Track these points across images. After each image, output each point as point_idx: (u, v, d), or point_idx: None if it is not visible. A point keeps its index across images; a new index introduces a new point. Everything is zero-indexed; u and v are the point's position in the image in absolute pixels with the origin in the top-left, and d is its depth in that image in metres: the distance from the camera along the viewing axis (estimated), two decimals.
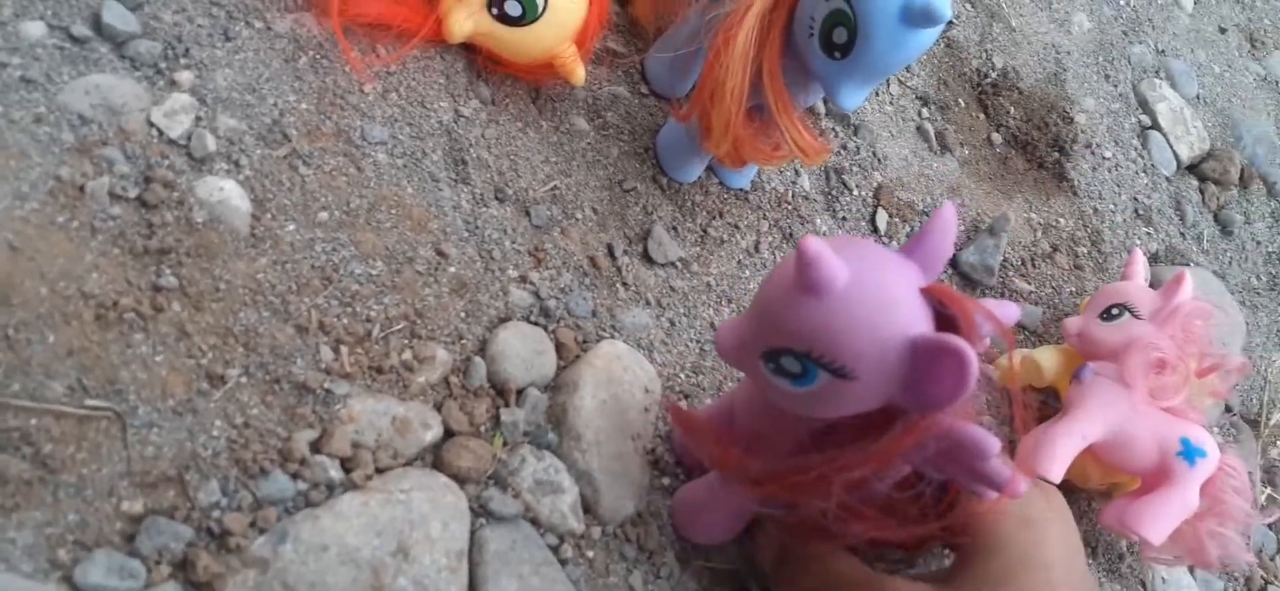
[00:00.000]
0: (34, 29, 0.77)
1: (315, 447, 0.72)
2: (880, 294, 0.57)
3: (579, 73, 0.96)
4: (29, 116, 0.73)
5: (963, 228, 1.23)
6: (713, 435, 0.73)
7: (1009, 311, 0.60)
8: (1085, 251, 1.32)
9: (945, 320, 0.59)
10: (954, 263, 1.20)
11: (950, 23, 1.33)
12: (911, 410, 0.60)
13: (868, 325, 0.56)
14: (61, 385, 0.66)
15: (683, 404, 0.91)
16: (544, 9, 0.90)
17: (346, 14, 0.88)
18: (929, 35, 0.78)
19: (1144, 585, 1.11)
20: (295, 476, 0.70)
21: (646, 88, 1.11)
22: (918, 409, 0.59)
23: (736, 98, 0.84)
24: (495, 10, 0.91)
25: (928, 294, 0.59)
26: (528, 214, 0.94)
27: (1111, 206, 1.39)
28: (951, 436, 0.60)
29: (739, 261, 1.04)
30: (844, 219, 1.15)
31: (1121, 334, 1.01)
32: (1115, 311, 1.04)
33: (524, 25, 0.91)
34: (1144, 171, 1.47)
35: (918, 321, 0.57)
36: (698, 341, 0.96)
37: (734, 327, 0.65)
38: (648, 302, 0.95)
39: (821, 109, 1.21)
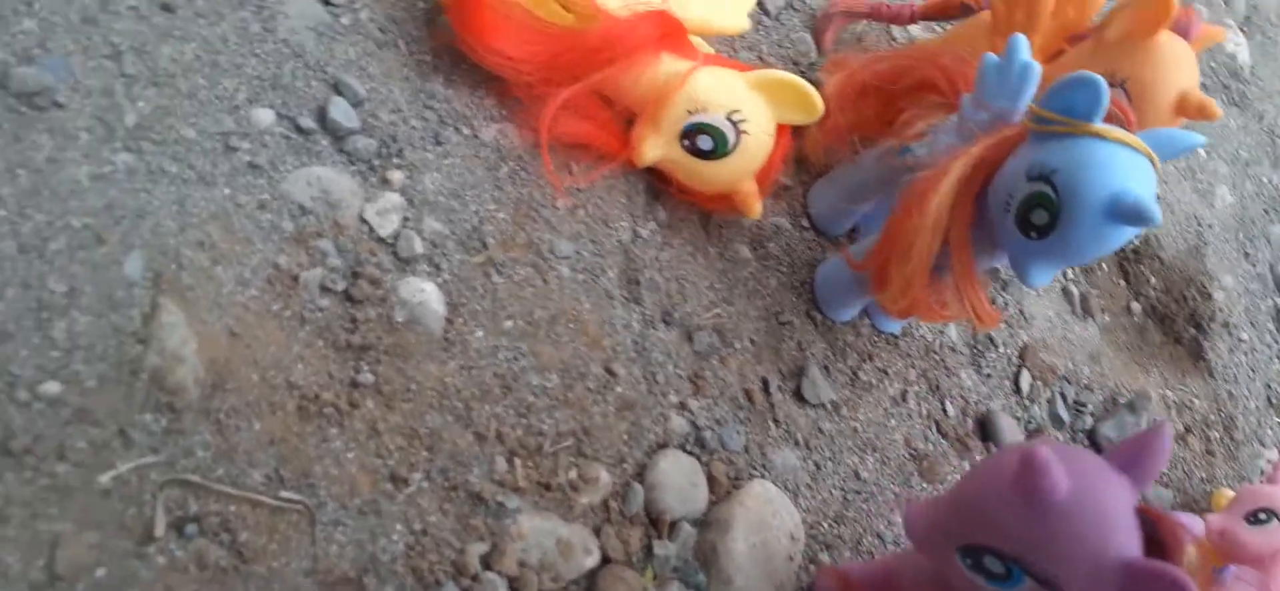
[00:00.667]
0: (264, 116, 0.78)
1: (486, 562, 0.70)
2: (1099, 510, 0.54)
3: (756, 208, 0.95)
4: (254, 202, 0.74)
5: (1100, 398, 1.19)
6: None
7: (1196, 526, 0.57)
8: (1217, 437, 1.26)
9: (1151, 540, 0.56)
10: (1091, 434, 1.15)
11: None
12: None
13: (1085, 540, 0.54)
14: (260, 473, 0.66)
15: (825, 556, 0.87)
16: (734, 147, 0.89)
17: (552, 131, 0.88)
18: (1132, 232, 0.74)
19: None
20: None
21: (807, 221, 1.09)
22: None
23: (923, 260, 0.82)
24: (687, 143, 0.90)
25: (1141, 514, 0.57)
26: (691, 339, 0.92)
27: (1245, 392, 1.33)
28: None
29: (886, 409, 1.01)
30: (988, 375, 1.11)
31: (1270, 542, 0.96)
32: (1263, 516, 0.98)
33: (713, 159, 0.90)
34: (1279, 358, 1.40)
35: (1133, 542, 0.55)
36: (841, 489, 0.93)
37: (929, 513, 0.62)
38: (796, 443, 0.93)
39: None
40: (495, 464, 0.74)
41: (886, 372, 1.04)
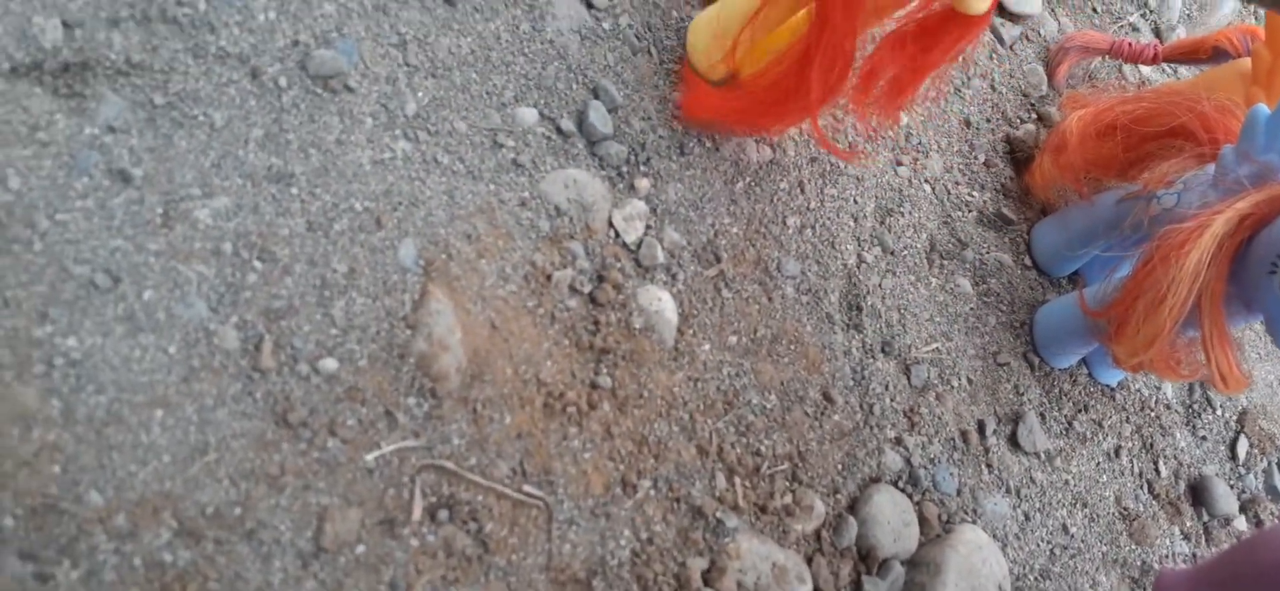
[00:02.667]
0: (528, 115, 0.75)
1: (706, 580, 0.66)
2: None
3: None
4: (515, 199, 0.72)
5: None
6: None
7: None
8: None
9: None
10: None
11: None
12: None
13: None
14: (507, 466, 0.63)
15: None
16: None
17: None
18: None
19: None
20: None
21: (1030, 260, 1.00)
22: None
23: (1174, 315, 0.73)
24: None
25: None
26: (908, 372, 0.85)
27: None
28: None
29: (1098, 464, 0.92)
30: (1203, 437, 1.00)
31: None
32: None
33: None
34: None
35: None
36: (1049, 542, 0.85)
37: (1193, 584, 0.55)
38: (1008, 490, 0.85)
39: None
40: (716, 479, 0.70)
41: (1101, 425, 0.94)
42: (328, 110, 0.67)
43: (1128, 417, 0.97)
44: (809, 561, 0.72)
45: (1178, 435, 0.99)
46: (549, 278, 0.70)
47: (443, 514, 0.60)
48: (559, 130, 0.76)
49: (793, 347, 0.80)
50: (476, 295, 0.66)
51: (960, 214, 0.96)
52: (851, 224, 0.89)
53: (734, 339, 0.77)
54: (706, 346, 0.75)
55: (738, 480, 0.72)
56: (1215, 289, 0.73)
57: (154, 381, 0.56)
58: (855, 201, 0.90)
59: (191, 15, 0.65)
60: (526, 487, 0.63)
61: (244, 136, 0.64)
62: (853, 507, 0.76)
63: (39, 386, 0.54)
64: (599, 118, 0.77)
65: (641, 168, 0.78)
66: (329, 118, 0.67)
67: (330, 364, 0.60)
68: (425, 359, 0.62)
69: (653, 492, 0.68)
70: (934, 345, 0.88)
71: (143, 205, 0.59)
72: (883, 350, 0.85)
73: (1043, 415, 0.91)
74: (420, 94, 0.71)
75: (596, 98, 0.78)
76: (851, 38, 0.68)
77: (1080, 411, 0.94)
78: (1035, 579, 0.83)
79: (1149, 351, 0.77)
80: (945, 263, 0.94)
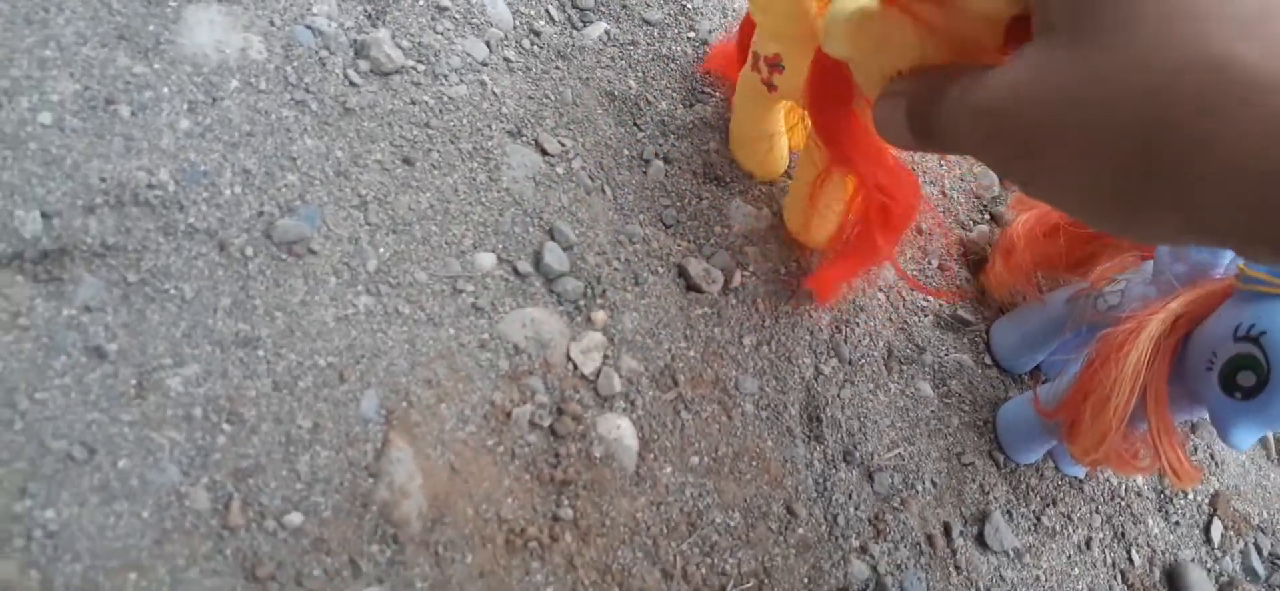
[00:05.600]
0: (487, 260, 0.80)
1: None
2: None
3: None
4: (475, 341, 0.76)
5: None
6: None
7: None
8: None
9: None
10: None
11: None
12: None
13: None
14: None
15: None
16: None
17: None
18: None
19: None
20: None
21: (990, 359, 1.03)
22: None
23: (1119, 414, 0.76)
24: None
25: None
26: (872, 479, 0.88)
27: None
28: None
29: (1069, 557, 0.94)
30: (1176, 523, 1.02)
31: None
32: None
33: None
34: None
35: None
36: None
37: None
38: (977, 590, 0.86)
39: None
40: None
41: (1070, 518, 0.96)
42: (292, 274, 0.72)
43: (1097, 508, 0.99)
44: None
45: (1150, 522, 1.01)
46: (509, 415, 0.73)
47: None
48: (516, 272, 0.80)
49: (755, 464, 0.83)
50: (437, 440, 0.69)
51: (916, 318, 1.00)
52: (807, 337, 0.93)
53: (696, 459, 0.80)
54: (668, 469, 0.78)
55: None
56: (1158, 387, 0.76)
57: (128, 546, 0.59)
58: (810, 315, 0.94)
59: (162, 196, 0.70)
60: None
61: (213, 305, 0.68)
62: None
63: (19, 559, 0.57)
64: (555, 257, 0.82)
65: (598, 300, 0.83)
66: (293, 280, 0.72)
67: (296, 518, 0.63)
68: (387, 506, 0.65)
69: None
70: (897, 450, 0.91)
71: (117, 378, 0.64)
72: (845, 459, 0.88)
73: (1010, 513, 0.93)
74: (382, 250, 0.76)
75: (552, 238, 0.83)
76: (887, 176, 0.74)
77: (1048, 506, 0.96)
78: None
79: (1100, 450, 0.79)
80: (904, 368, 0.97)
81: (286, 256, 0.72)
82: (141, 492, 0.61)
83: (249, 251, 0.71)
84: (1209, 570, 1.01)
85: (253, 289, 0.70)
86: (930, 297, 1.02)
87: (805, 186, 0.87)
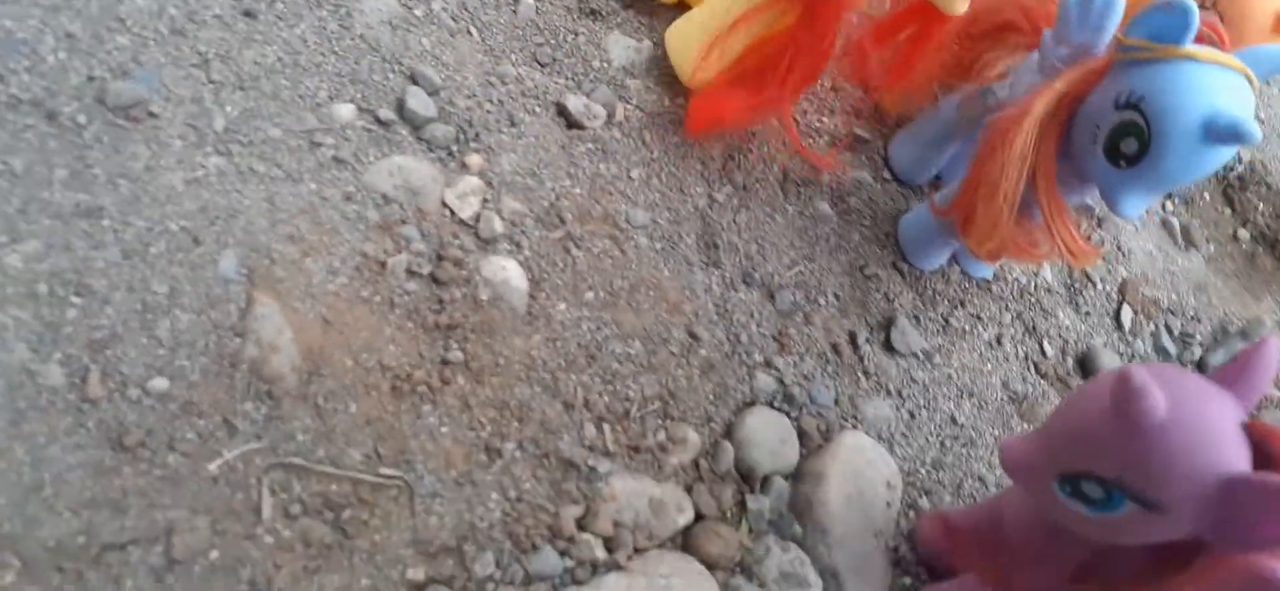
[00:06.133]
0: (345, 111, 0.79)
1: (581, 525, 0.70)
2: (1201, 427, 0.51)
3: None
4: (340, 194, 0.75)
5: (1209, 328, 1.12)
6: (976, 544, 0.68)
7: None
8: None
9: (1261, 455, 0.52)
10: (1200, 365, 1.08)
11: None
12: (1218, 546, 0.53)
13: (1187, 460, 0.51)
14: (359, 453, 0.66)
15: (924, 501, 0.84)
16: None
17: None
18: (1229, 152, 0.69)
19: None
20: (563, 553, 0.68)
21: (889, 174, 1.05)
22: (1227, 546, 0.53)
23: (1009, 199, 0.78)
24: None
25: (1248, 430, 0.53)
26: (773, 298, 0.90)
27: None
28: (1258, 576, 0.53)
29: (981, 354, 0.97)
30: (1087, 313, 1.06)
31: None
32: None
33: None
34: None
35: (1239, 458, 0.51)
36: (938, 436, 0.90)
37: (1025, 445, 0.59)
38: (889, 393, 0.90)
39: None
40: (584, 430, 0.74)
41: (980, 318, 1.00)
42: (132, 139, 0.70)
43: (1007, 306, 1.02)
44: (689, 490, 0.76)
45: (1061, 314, 1.05)
46: (383, 265, 0.73)
47: (295, 508, 0.63)
48: (379, 120, 0.79)
49: (652, 294, 0.84)
50: (305, 294, 0.69)
51: (812, 141, 1.01)
52: (699, 167, 0.93)
53: (590, 295, 0.81)
54: (562, 306, 0.79)
55: (607, 426, 0.75)
56: (1047, 169, 0.78)
57: None
58: (701, 145, 0.94)
59: None
60: (383, 470, 0.66)
61: (47, 178, 0.66)
62: (729, 434, 0.80)
63: None
64: (419, 102, 0.81)
65: (472, 144, 0.82)
66: (135, 147, 0.70)
67: (161, 383, 0.63)
68: (257, 363, 0.65)
69: (519, 454, 0.71)
70: (797, 268, 0.93)
71: None
72: (744, 281, 0.89)
73: (917, 318, 0.96)
74: (229, 108, 0.74)
75: (415, 83, 0.82)
76: (832, 34, 0.79)
77: (956, 308, 0.99)
78: (928, 470, 0.87)
79: (995, 238, 0.82)
80: (802, 189, 0.98)
81: (124, 122, 0.70)
82: None
83: (82, 119, 0.69)
84: (1121, 353, 1.05)
85: (90, 158, 0.68)
86: (822, 119, 1.03)
87: (712, 26, 0.87)
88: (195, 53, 0.75)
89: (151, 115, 0.71)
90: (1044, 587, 0.63)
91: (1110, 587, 0.59)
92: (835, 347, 0.90)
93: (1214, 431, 0.51)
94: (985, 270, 1.01)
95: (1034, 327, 1.02)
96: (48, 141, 0.68)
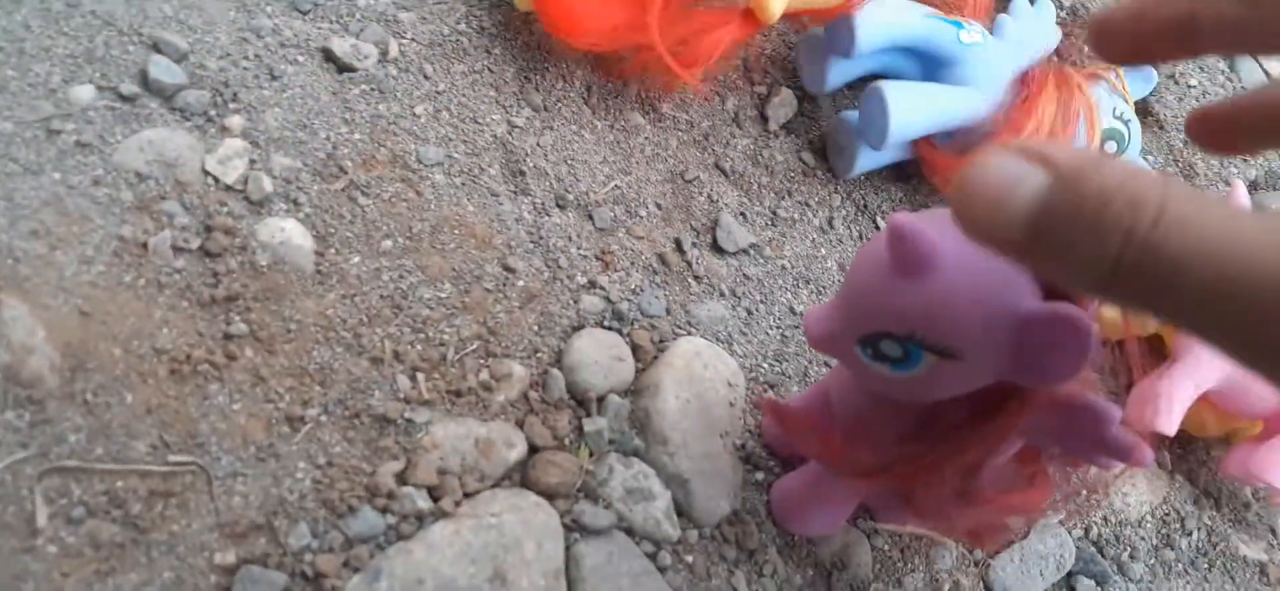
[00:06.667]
0: (84, 92, 0.78)
1: (401, 479, 0.72)
2: (982, 267, 0.53)
3: None
4: (87, 180, 0.75)
5: None
6: (810, 427, 0.72)
7: None
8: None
9: (1051, 290, 0.55)
10: None
11: None
12: (1025, 385, 0.57)
13: (972, 301, 0.53)
14: (144, 444, 0.67)
15: (769, 394, 0.89)
16: None
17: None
18: None
19: (1274, 532, 1.06)
20: (384, 510, 0.70)
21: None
22: (1031, 383, 0.57)
23: None
24: None
25: None
26: (591, 217, 0.93)
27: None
28: (1069, 408, 0.58)
29: (813, 241, 1.03)
30: (917, 185, 1.12)
31: None
32: None
33: None
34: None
35: (1024, 292, 0.54)
36: (778, 328, 0.95)
37: (823, 315, 0.63)
38: (722, 294, 0.94)
39: None
40: (397, 383, 0.76)
41: (808, 204, 1.05)
42: None
43: (835, 188, 1.08)
44: (520, 425, 0.78)
45: (893, 188, 1.11)
46: (145, 246, 0.73)
47: (78, 511, 0.63)
48: (122, 96, 0.79)
49: (458, 232, 0.86)
50: (56, 288, 0.69)
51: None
52: (492, 93, 0.96)
53: (388, 243, 0.82)
54: (355, 260, 0.80)
55: (422, 376, 0.77)
56: None
57: None
58: (491, 71, 0.97)
59: None
60: (173, 458, 0.67)
61: None
62: (558, 361, 0.83)
63: None
64: (164, 71, 0.81)
65: (230, 106, 0.83)
66: None
67: None
68: (11, 369, 0.65)
69: (325, 418, 0.72)
70: (612, 183, 0.96)
71: None
72: (558, 204, 0.92)
73: (743, 215, 1.00)
74: None
75: (158, 52, 0.82)
76: None
77: (783, 199, 1.04)
78: (771, 363, 0.92)
79: None
80: (610, 103, 1.02)
81: None
82: None
83: None
84: None
85: None
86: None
87: None
88: None
89: None
90: (875, 457, 0.67)
91: (937, 444, 0.62)
92: (661, 258, 0.93)
93: (998, 270, 0.53)
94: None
95: (865, 205, 1.08)
96: None
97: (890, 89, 0.96)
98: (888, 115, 0.95)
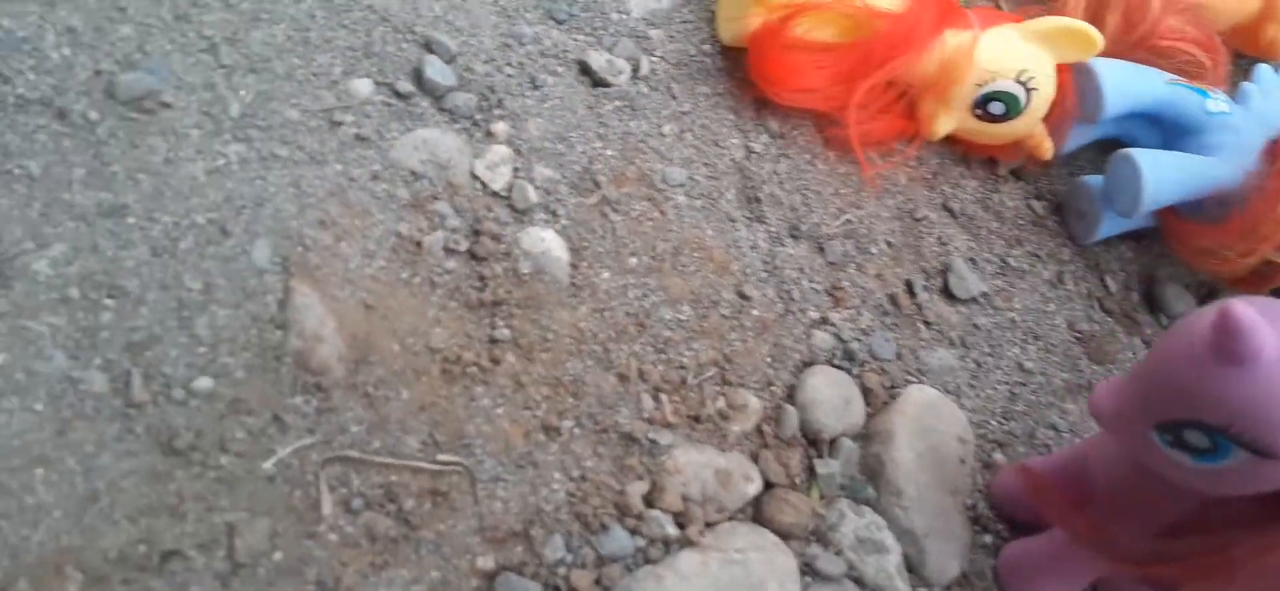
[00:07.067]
0: (362, 86, 0.81)
1: (649, 501, 0.73)
2: None
3: (1048, 149, 1.02)
4: (366, 174, 0.78)
5: None
6: (1063, 496, 0.70)
7: None
8: None
9: None
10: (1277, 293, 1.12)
11: None
12: None
13: None
14: (416, 440, 0.69)
15: (999, 455, 0.88)
16: (1026, 106, 0.96)
17: (858, 132, 0.96)
18: None
19: None
20: (633, 532, 0.71)
21: None
22: None
23: None
24: (980, 112, 0.97)
25: None
26: (822, 250, 0.93)
27: None
28: None
29: (1043, 295, 1.00)
30: (1146, 243, 1.09)
31: None
32: None
33: (1006, 121, 0.97)
34: None
35: None
36: (1006, 383, 0.93)
37: (1114, 392, 0.61)
38: (951, 342, 0.93)
39: None
40: (642, 402, 0.77)
41: (1038, 256, 1.03)
42: (148, 132, 0.73)
43: (1064, 242, 1.05)
44: (754, 458, 0.79)
45: (1121, 246, 1.08)
46: (419, 244, 0.76)
47: (357, 502, 0.66)
48: (397, 94, 0.82)
49: (697, 254, 0.86)
50: (343, 279, 0.72)
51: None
52: (732, 117, 0.96)
53: (634, 260, 0.84)
54: (605, 274, 0.82)
55: (665, 397, 0.78)
56: None
57: (27, 443, 0.61)
58: (732, 94, 0.97)
59: None
60: (441, 457, 0.69)
61: (66, 178, 0.69)
62: (791, 397, 0.83)
63: None
64: (437, 71, 0.83)
65: (495, 111, 0.85)
66: (152, 139, 0.73)
67: (205, 383, 0.66)
68: (302, 356, 0.68)
69: (577, 430, 0.74)
70: (845, 217, 0.96)
71: None
72: (791, 234, 0.92)
73: (973, 260, 0.99)
74: (243, 93, 0.77)
75: (431, 51, 0.85)
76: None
77: (1013, 247, 1.02)
78: (999, 421, 0.90)
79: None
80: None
81: (137, 114, 0.73)
82: (30, 386, 0.63)
83: (93, 115, 0.72)
84: (1187, 286, 1.08)
85: (107, 154, 0.71)
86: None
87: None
88: (201, 38, 0.78)
89: (165, 106, 0.74)
90: (1138, 540, 0.65)
91: (1211, 539, 0.60)
92: (892, 298, 0.93)
93: None
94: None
95: (1096, 262, 1.05)
96: (62, 141, 0.70)
97: (1143, 157, 0.94)
98: (1141, 183, 0.93)
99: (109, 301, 0.66)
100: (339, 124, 0.79)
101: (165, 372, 0.66)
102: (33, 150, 0.69)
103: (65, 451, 0.62)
